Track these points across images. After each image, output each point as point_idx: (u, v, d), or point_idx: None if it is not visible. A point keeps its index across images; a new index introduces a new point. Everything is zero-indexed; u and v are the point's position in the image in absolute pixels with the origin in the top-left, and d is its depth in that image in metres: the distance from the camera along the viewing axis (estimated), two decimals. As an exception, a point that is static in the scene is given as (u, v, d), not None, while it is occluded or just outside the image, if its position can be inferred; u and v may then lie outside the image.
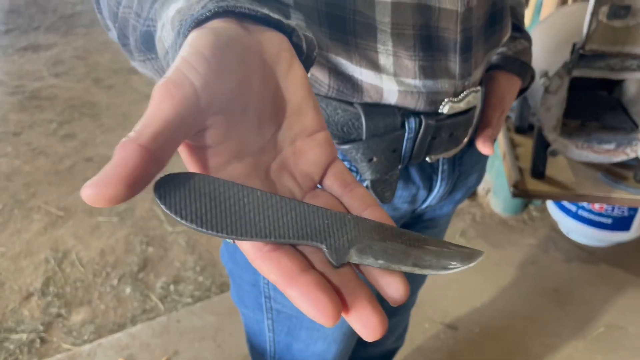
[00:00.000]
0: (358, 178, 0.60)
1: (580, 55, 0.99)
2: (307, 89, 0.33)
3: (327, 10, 0.50)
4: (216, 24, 0.30)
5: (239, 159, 0.30)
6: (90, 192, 0.23)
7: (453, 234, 2.04)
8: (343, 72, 0.53)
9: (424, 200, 0.68)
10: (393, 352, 1.14)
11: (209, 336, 1.61)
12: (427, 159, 0.62)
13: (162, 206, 0.27)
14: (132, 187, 0.24)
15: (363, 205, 0.32)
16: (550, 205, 1.97)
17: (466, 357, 1.57)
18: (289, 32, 0.34)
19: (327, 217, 0.30)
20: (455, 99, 0.58)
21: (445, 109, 0.58)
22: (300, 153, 0.33)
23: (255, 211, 0.28)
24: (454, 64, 0.55)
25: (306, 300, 0.26)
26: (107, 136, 2.69)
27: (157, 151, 0.25)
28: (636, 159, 1.10)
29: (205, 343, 1.59)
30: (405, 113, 0.57)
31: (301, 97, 0.33)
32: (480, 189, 2.23)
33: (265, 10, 0.32)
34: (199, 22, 0.30)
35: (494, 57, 0.70)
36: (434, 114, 0.58)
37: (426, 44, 0.52)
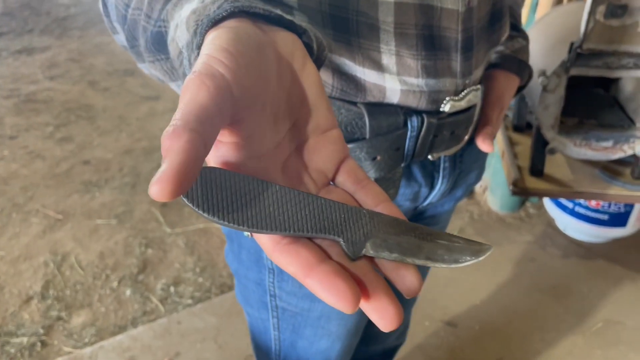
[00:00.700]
0: None
1: (578, 54, 1.00)
2: (320, 87, 0.34)
3: (331, 11, 0.51)
4: (232, 23, 0.31)
5: (257, 155, 0.31)
6: (159, 187, 0.23)
7: (451, 231, 2.05)
8: (346, 72, 0.54)
9: (426, 198, 0.69)
10: (395, 349, 1.15)
11: (210, 337, 1.61)
12: (429, 157, 0.63)
13: (185, 199, 0.27)
14: (196, 171, 0.24)
15: (376, 200, 0.33)
16: (547, 202, 1.99)
17: (467, 354, 1.58)
18: (300, 33, 0.35)
19: (343, 211, 0.31)
20: (457, 98, 0.59)
21: (446, 107, 0.59)
22: (314, 150, 0.34)
23: (274, 205, 0.29)
24: (456, 62, 0.56)
25: (326, 288, 0.26)
26: (103, 139, 2.69)
27: (205, 134, 0.25)
28: (633, 155, 1.11)
29: (207, 344, 1.59)
30: (407, 112, 0.58)
31: (314, 95, 0.34)
32: (478, 187, 2.24)
33: (279, 11, 0.33)
34: (215, 22, 0.31)
35: (493, 56, 0.71)
36: (435, 112, 0.59)
37: (428, 43, 0.53)
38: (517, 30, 0.75)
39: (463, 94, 0.59)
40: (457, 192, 0.75)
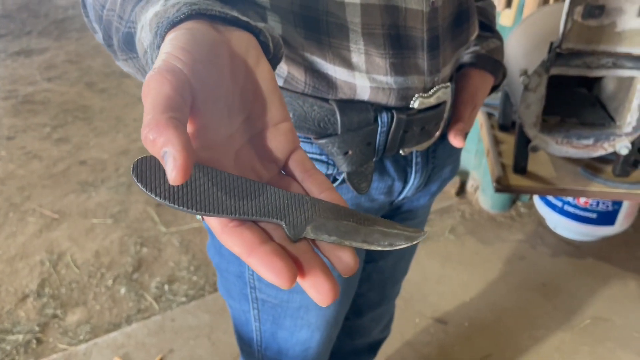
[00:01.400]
0: (335, 171, 0.63)
1: (558, 53, 1.02)
2: (273, 83, 0.37)
3: (301, 12, 0.53)
4: (190, 25, 0.34)
5: (211, 145, 0.33)
6: (177, 173, 0.26)
7: (442, 230, 2.07)
8: (318, 70, 0.56)
9: (400, 192, 0.71)
10: (379, 342, 1.17)
11: (203, 334, 1.63)
12: (401, 151, 0.65)
13: (139, 184, 0.30)
14: (191, 151, 0.27)
15: (320, 188, 0.36)
16: (537, 201, 2.01)
17: (456, 351, 1.60)
18: (256, 32, 0.37)
19: (287, 197, 0.33)
20: (425, 95, 0.61)
21: (415, 104, 0.61)
22: (266, 141, 0.37)
23: (222, 191, 0.31)
24: (422, 61, 0.58)
25: (265, 266, 0.29)
26: (100, 139, 2.71)
27: (182, 120, 0.28)
28: (614, 153, 1.13)
29: (200, 341, 1.61)
30: (377, 108, 0.60)
31: (267, 90, 0.36)
32: (469, 186, 2.26)
33: (235, 13, 0.36)
34: (174, 24, 0.34)
35: (468, 56, 0.74)
36: (405, 108, 0.61)
37: (395, 42, 0.56)
38: (491, 31, 0.78)
39: (432, 91, 0.62)
40: (431, 186, 0.77)
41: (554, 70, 1.04)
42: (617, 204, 1.76)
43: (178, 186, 0.30)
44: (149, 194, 0.30)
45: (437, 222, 2.12)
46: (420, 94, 0.61)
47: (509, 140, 1.31)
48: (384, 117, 0.61)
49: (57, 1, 4.84)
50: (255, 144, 0.36)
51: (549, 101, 1.11)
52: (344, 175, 0.63)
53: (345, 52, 0.55)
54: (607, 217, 1.79)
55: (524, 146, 1.15)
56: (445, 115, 0.67)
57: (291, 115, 0.59)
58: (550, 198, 1.92)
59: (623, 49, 1.00)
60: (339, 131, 0.59)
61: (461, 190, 2.28)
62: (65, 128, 2.82)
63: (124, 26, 0.42)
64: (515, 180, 1.17)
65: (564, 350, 1.60)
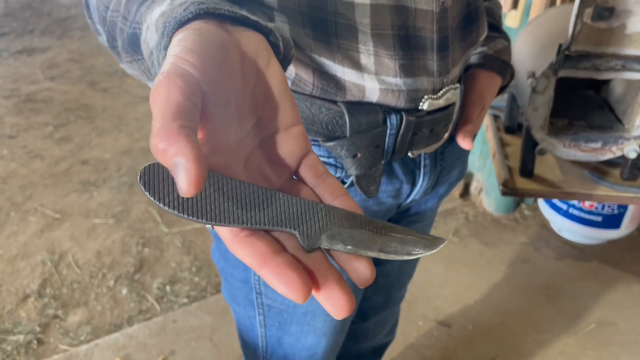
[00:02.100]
0: (343, 174, 0.62)
1: (566, 55, 1.01)
2: (284, 85, 0.35)
3: (310, 12, 0.52)
4: (197, 25, 0.32)
5: (221, 149, 0.32)
6: (187, 185, 0.25)
7: (446, 232, 2.06)
8: (327, 71, 0.55)
9: (408, 195, 0.70)
10: (384, 346, 1.16)
11: (205, 336, 1.62)
12: (409, 154, 0.65)
13: (147, 193, 0.28)
14: (203, 157, 0.26)
15: (334, 194, 0.35)
16: (541, 203, 2.00)
17: (459, 354, 1.59)
18: (266, 33, 0.36)
19: (300, 205, 0.32)
20: (435, 96, 0.60)
21: (425, 105, 0.60)
22: (277, 145, 0.35)
23: (233, 199, 0.30)
24: (432, 62, 0.58)
25: (278, 279, 0.28)
26: (102, 139, 2.71)
27: (193, 128, 0.27)
28: (622, 157, 1.12)
29: (202, 342, 1.60)
30: (386, 110, 0.59)
31: (278, 92, 0.35)
32: (473, 188, 2.25)
33: (244, 12, 0.34)
34: (181, 24, 0.32)
35: (475, 56, 0.73)
36: (414, 110, 0.60)
37: (405, 43, 0.55)
38: (498, 31, 0.77)
39: (441, 92, 0.61)
40: (440, 189, 0.76)
41: (562, 73, 1.03)
42: (623, 207, 1.75)
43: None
44: (158, 203, 0.28)
45: (441, 224, 2.11)
46: (430, 96, 0.60)
47: (515, 143, 1.30)
48: (393, 119, 0.60)
49: (60, 0, 4.83)
50: (266, 148, 0.35)
51: (556, 103, 1.10)
52: (352, 178, 0.62)
53: (354, 53, 0.54)
54: (612, 221, 1.78)
55: (531, 149, 1.14)
56: (454, 116, 0.67)
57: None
58: (555, 201, 1.91)
59: (632, 51, 0.98)
60: (348, 133, 0.58)
61: (465, 192, 2.27)
62: (67, 127, 2.81)
63: (129, 27, 0.41)
64: (522, 183, 1.16)
65: (568, 354, 1.59)
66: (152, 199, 0.28)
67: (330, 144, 0.59)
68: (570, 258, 1.96)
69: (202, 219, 0.29)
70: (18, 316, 1.69)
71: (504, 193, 1.14)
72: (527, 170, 1.17)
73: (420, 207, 0.81)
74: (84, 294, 1.78)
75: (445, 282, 1.83)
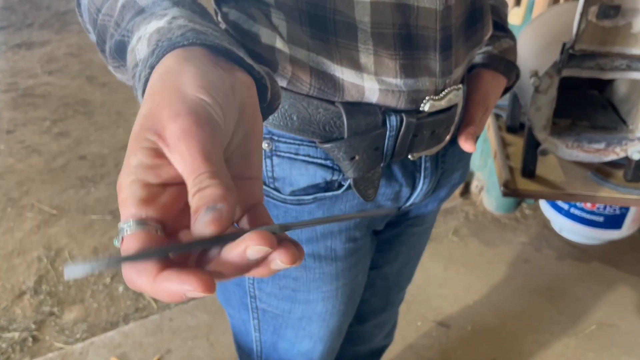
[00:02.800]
0: (340, 176, 0.60)
1: (570, 55, 0.99)
2: (258, 139, 0.35)
3: (308, 9, 0.50)
4: (190, 52, 0.32)
5: (168, 188, 0.31)
6: (215, 226, 0.27)
7: (446, 232, 2.04)
8: (324, 71, 0.53)
9: (408, 198, 0.68)
10: (382, 349, 1.15)
11: (201, 335, 1.61)
12: (409, 156, 0.62)
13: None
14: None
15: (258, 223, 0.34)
16: (542, 203, 1.98)
17: (459, 355, 1.58)
18: (257, 78, 0.35)
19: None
20: (436, 97, 0.58)
21: (426, 107, 0.58)
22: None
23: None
24: (434, 62, 0.55)
25: (174, 279, 0.26)
26: (100, 134, 2.69)
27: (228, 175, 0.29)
28: (626, 158, 1.10)
29: (198, 341, 1.59)
30: (386, 111, 0.57)
31: (251, 145, 0.35)
32: (474, 187, 2.23)
33: (241, 53, 0.34)
34: (174, 47, 0.32)
35: (479, 56, 0.71)
36: (415, 111, 0.58)
37: (406, 42, 0.53)
38: (504, 30, 0.74)
39: (443, 93, 0.59)
40: (440, 192, 0.74)
41: (566, 72, 1.01)
42: (625, 208, 1.73)
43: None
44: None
45: (441, 224, 2.09)
46: (431, 97, 0.58)
47: (517, 143, 1.28)
48: (393, 120, 0.57)
49: (59, -7, 4.81)
50: None
51: (559, 103, 1.07)
52: (349, 181, 0.60)
53: (354, 52, 0.52)
54: (614, 221, 1.76)
55: (533, 149, 1.12)
56: (457, 118, 0.64)
57: (295, 117, 0.56)
58: (556, 200, 1.89)
59: (638, 51, 0.96)
60: (346, 135, 0.56)
61: (465, 191, 2.25)
62: (66, 122, 2.79)
63: (119, 34, 0.40)
64: (524, 184, 1.14)
65: (568, 356, 1.58)
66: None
67: (327, 145, 0.57)
68: (571, 258, 1.94)
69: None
70: (13, 313, 1.68)
71: (505, 194, 1.13)
72: (528, 171, 1.15)
73: (420, 210, 0.79)
74: (80, 291, 1.77)
75: (444, 282, 1.82)
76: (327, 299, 0.71)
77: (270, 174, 0.59)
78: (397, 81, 0.54)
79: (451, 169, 0.72)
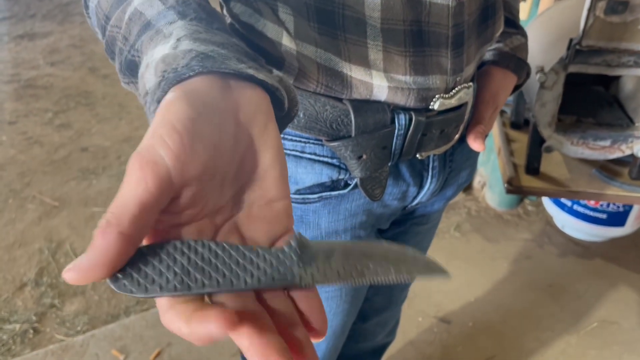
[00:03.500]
0: (347, 175, 0.59)
1: (577, 50, 0.98)
2: (276, 154, 0.34)
3: (316, 4, 0.49)
4: (196, 84, 0.31)
5: (193, 220, 0.31)
6: (73, 275, 0.26)
7: (448, 227, 2.04)
8: (332, 67, 0.52)
9: (415, 197, 0.67)
10: (384, 347, 1.14)
11: (202, 328, 1.60)
12: (418, 155, 0.61)
13: (112, 285, 0.28)
14: (113, 270, 0.27)
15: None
16: (545, 200, 1.97)
17: (459, 351, 1.57)
18: (272, 91, 0.35)
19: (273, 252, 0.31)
20: (447, 95, 0.57)
21: (436, 105, 0.57)
22: (254, 219, 0.33)
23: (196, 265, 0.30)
24: (446, 59, 0.54)
25: (202, 320, 0.27)
26: (102, 126, 2.68)
27: (136, 235, 0.27)
28: (631, 155, 1.09)
29: (199, 335, 1.59)
30: (395, 109, 0.56)
31: (269, 161, 0.33)
32: (476, 182, 2.22)
33: (251, 71, 0.33)
34: (181, 80, 0.31)
35: (490, 53, 0.69)
36: (424, 110, 0.57)
37: (417, 39, 0.52)
38: (515, 27, 0.73)
39: (454, 91, 0.57)
40: (447, 191, 0.73)
41: (572, 68, 1.00)
42: (628, 205, 1.72)
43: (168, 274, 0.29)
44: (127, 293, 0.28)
45: (443, 219, 2.08)
46: (441, 95, 0.56)
47: (521, 139, 1.27)
48: (402, 118, 0.56)
49: (61, -16, 4.79)
50: (242, 220, 0.33)
51: (564, 100, 1.06)
52: (356, 180, 0.59)
53: (362, 48, 0.51)
54: (617, 218, 1.75)
55: (537, 146, 1.11)
56: (466, 117, 0.63)
57: (301, 114, 0.54)
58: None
59: (646, 47, 0.95)
60: (353, 133, 0.55)
61: (468, 187, 2.24)
62: (68, 114, 2.79)
63: (128, 51, 0.39)
64: (528, 181, 1.13)
65: (569, 354, 1.57)
66: (147, 295, 0.28)
67: (334, 144, 0.55)
68: (574, 255, 1.93)
69: (202, 289, 0.29)
70: (14, 305, 1.68)
71: (509, 191, 1.12)
72: (533, 167, 1.14)
73: (426, 209, 0.78)
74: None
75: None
76: (331, 298, 0.70)
77: None
78: (407, 79, 0.53)
79: (459, 168, 0.71)
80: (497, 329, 1.64)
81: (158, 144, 0.28)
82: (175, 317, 0.27)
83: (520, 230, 2.05)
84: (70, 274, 0.26)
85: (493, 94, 0.67)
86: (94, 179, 2.28)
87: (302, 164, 0.58)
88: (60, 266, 1.83)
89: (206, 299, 0.30)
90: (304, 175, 0.59)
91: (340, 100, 0.55)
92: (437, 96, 0.56)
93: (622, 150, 1.07)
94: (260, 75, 0.33)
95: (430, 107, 0.57)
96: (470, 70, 0.59)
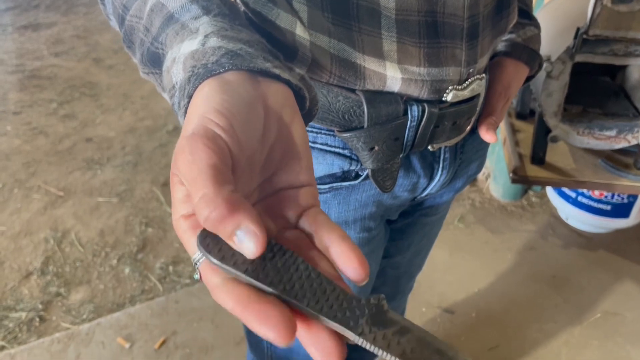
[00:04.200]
0: (358, 166, 0.59)
1: (584, 40, 0.98)
2: (304, 144, 0.35)
3: None
4: (227, 76, 0.32)
5: None
6: (257, 246, 0.27)
7: (452, 219, 2.04)
8: (346, 58, 0.52)
9: (425, 189, 0.67)
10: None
11: (207, 317, 1.61)
12: (429, 147, 0.61)
13: (214, 259, 0.28)
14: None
15: (330, 239, 0.32)
16: (549, 191, 1.97)
17: (463, 341, 1.58)
18: (296, 90, 0.36)
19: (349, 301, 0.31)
20: (460, 87, 0.57)
21: (449, 97, 0.56)
22: (283, 202, 0.34)
23: (292, 274, 0.30)
24: (460, 51, 0.54)
25: (259, 319, 0.26)
26: (107, 116, 2.69)
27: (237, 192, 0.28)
28: (637, 146, 1.09)
29: (204, 324, 1.60)
30: (408, 101, 0.56)
31: (297, 151, 0.34)
32: (480, 174, 2.22)
33: (277, 71, 0.34)
34: (210, 76, 0.32)
35: (502, 44, 0.69)
36: (437, 102, 0.57)
37: (432, 30, 0.51)
38: (529, 17, 0.72)
39: (467, 83, 0.57)
40: (457, 183, 0.73)
41: (579, 57, 1.00)
42: (633, 197, 1.72)
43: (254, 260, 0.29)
44: (227, 266, 0.28)
45: (447, 210, 2.08)
46: (455, 86, 0.56)
47: (526, 129, 1.27)
48: (415, 110, 0.56)
49: (65, -26, 4.78)
50: (271, 202, 0.34)
51: (571, 90, 1.06)
52: (367, 171, 0.59)
53: (377, 39, 0.50)
54: (621, 210, 1.75)
55: (543, 136, 1.11)
56: (478, 108, 0.63)
57: None
58: (563, 188, 1.88)
59: (653, 36, 0.95)
60: (366, 124, 0.55)
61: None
62: (72, 104, 2.79)
63: (151, 44, 0.39)
64: (533, 171, 1.13)
65: (572, 345, 1.58)
66: (220, 263, 0.28)
67: (347, 134, 0.55)
68: (578, 247, 1.94)
69: (268, 286, 0.28)
70: (20, 293, 1.69)
71: (514, 181, 1.12)
72: (538, 157, 1.14)
73: (435, 200, 0.79)
74: (87, 273, 1.78)
75: (449, 269, 1.82)
76: None
77: None
78: (421, 70, 0.53)
79: (469, 159, 0.71)
80: (500, 319, 1.65)
81: (209, 124, 0.29)
82: (227, 296, 0.28)
83: (524, 222, 2.05)
84: (254, 249, 0.27)
85: (505, 85, 0.67)
86: (99, 169, 2.29)
87: (313, 155, 0.58)
88: (66, 255, 1.84)
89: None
90: (315, 165, 0.59)
91: (353, 91, 0.54)
92: (450, 88, 0.56)
93: (628, 140, 1.07)
94: (285, 75, 0.34)
95: (443, 98, 0.57)
96: (484, 61, 0.59)
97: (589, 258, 1.89)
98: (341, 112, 0.55)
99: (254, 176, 0.33)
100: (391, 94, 0.55)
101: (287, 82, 0.35)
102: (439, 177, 0.66)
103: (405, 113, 0.56)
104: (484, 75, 0.60)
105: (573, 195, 1.83)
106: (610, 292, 1.76)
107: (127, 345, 1.52)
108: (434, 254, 1.86)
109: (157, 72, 0.40)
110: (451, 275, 1.80)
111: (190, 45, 0.35)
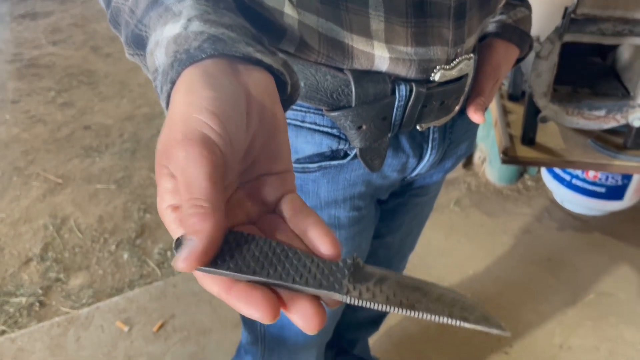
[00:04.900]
0: (347, 146, 0.60)
1: (572, 19, 0.98)
2: (283, 133, 0.36)
3: None
4: (208, 66, 0.33)
5: None
6: (189, 264, 0.28)
7: (448, 202, 2.05)
8: (334, 37, 0.52)
9: (414, 169, 0.68)
10: (383, 316, 1.16)
11: (205, 300, 1.63)
12: (418, 127, 0.62)
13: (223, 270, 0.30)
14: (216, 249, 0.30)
15: (306, 223, 0.33)
16: (545, 174, 1.98)
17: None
18: (277, 75, 0.36)
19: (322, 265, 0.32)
20: (448, 67, 0.57)
21: (436, 76, 0.57)
22: (263, 187, 0.35)
23: (258, 255, 0.31)
24: (447, 30, 0.54)
25: (243, 300, 0.29)
26: (105, 104, 2.69)
27: (223, 209, 0.30)
28: (626, 125, 1.10)
29: (202, 307, 1.62)
30: (395, 80, 0.56)
31: (277, 140, 0.35)
32: (476, 158, 2.23)
33: (259, 55, 0.34)
34: (193, 63, 0.33)
35: (493, 25, 0.69)
36: (425, 81, 0.57)
37: (419, 10, 0.51)
38: None
39: (454, 63, 0.57)
40: (446, 163, 0.74)
41: (568, 37, 1.01)
42: (627, 178, 1.72)
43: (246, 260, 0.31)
44: (207, 269, 0.30)
45: (442, 194, 2.09)
46: (442, 66, 0.56)
47: (518, 111, 1.27)
48: (402, 89, 0.56)
49: (62, -37, 4.76)
50: (251, 187, 0.35)
51: (560, 70, 1.07)
52: (356, 151, 0.59)
53: (364, 18, 0.51)
54: (616, 192, 1.76)
55: (533, 116, 1.12)
56: (467, 89, 0.63)
57: (302, 84, 0.55)
58: (558, 171, 1.89)
59: (641, 15, 0.95)
60: (353, 103, 0.55)
61: (468, 162, 2.25)
62: (70, 92, 2.80)
63: (136, 26, 0.40)
64: (523, 151, 1.14)
65: (566, 325, 1.60)
66: (203, 268, 0.30)
67: (335, 113, 0.56)
68: (573, 229, 1.95)
69: (252, 275, 0.30)
70: (20, 279, 1.71)
71: (504, 161, 1.13)
72: (528, 138, 1.15)
73: (425, 180, 0.79)
74: (86, 258, 1.80)
75: (445, 252, 1.83)
76: None
77: None
78: (408, 49, 0.53)
79: (458, 140, 0.72)
80: (495, 301, 1.67)
81: (204, 128, 0.30)
82: (212, 281, 0.30)
83: (519, 205, 2.06)
84: (183, 265, 0.27)
85: (494, 66, 0.67)
86: (97, 157, 2.30)
87: (302, 134, 0.59)
88: (65, 241, 1.86)
89: None
90: (304, 144, 0.59)
91: (341, 70, 0.55)
92: (438, 67, 0.56)
93: (617, 120, 1.08)
94: (267, 60, 0.35)
95: (431, 78, 0.57)
96: (471, 41, 0.59)
97: (583, 240, 1.90)
98: (329, 91, 0.55)
99: (236, 166, 0.34)
100: (379, 73, 0.55)
101: (269, 67, 0.35)
102: (428, 157, 0.67)
103: (393, 92, 0.57)
104: (472, 55, 0.60)
105: (567, 178, 1.84)
106: (605, 273, 1.77)
107: (125, 329, 1.54)
108: (430, 237, 1.87)
109: (141, 53, 0.41)
110: (447, 258, 1.81)
111: (173, 28, 0.35)
